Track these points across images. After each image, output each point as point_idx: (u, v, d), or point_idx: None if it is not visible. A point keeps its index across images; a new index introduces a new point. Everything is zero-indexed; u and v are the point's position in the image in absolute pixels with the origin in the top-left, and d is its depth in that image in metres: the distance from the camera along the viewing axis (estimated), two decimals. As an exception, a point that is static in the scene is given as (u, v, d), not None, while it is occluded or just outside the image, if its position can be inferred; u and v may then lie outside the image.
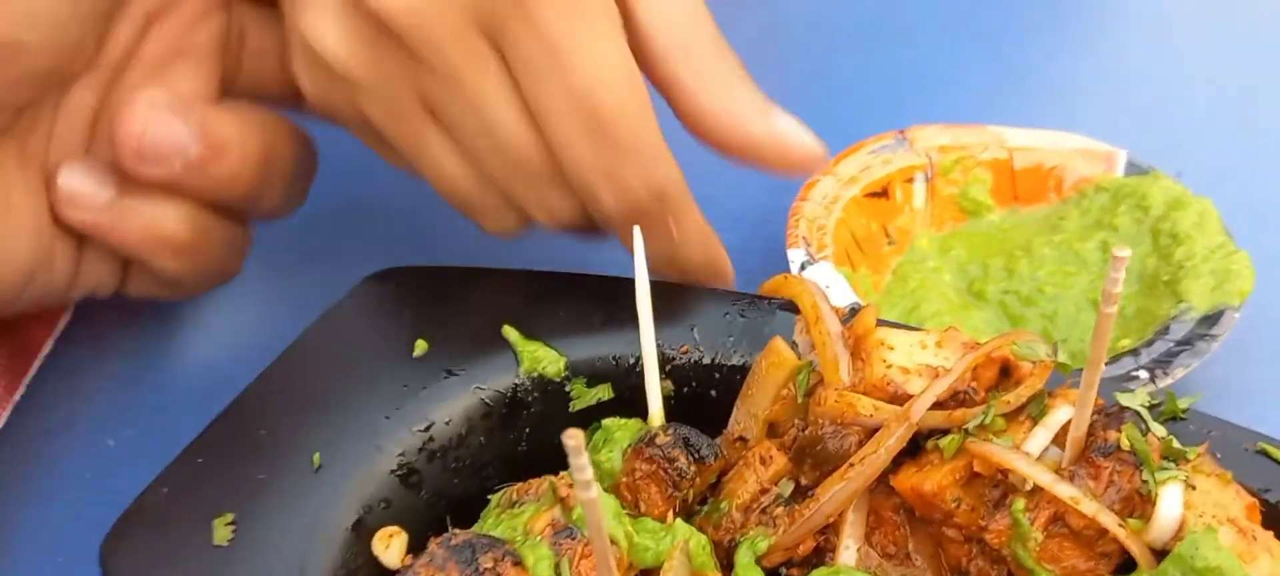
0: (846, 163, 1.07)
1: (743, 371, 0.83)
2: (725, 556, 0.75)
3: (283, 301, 1.08)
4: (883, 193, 1.05)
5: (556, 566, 0.69)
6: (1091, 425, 0.70)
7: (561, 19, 0.75)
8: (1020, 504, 0.67)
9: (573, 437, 0.51)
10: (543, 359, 0.84)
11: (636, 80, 0.79)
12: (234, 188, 0.75)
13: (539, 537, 0.70)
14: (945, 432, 0.72)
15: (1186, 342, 0.89)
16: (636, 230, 0.78)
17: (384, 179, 1.17)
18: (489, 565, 0.66)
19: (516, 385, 0.83)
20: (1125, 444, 0.68)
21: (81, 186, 0.71)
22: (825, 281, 0.91)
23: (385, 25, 0.73)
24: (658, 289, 0.80)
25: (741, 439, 0.81)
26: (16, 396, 0.90)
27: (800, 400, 0.80)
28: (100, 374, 1.00)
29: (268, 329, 0.98)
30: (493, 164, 0.82)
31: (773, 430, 0.81)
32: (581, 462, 0.52)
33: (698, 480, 0.77)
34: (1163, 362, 0.89)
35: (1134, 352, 0.90)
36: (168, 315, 1.05)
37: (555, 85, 0.77)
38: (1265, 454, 0.73)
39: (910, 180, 1.04)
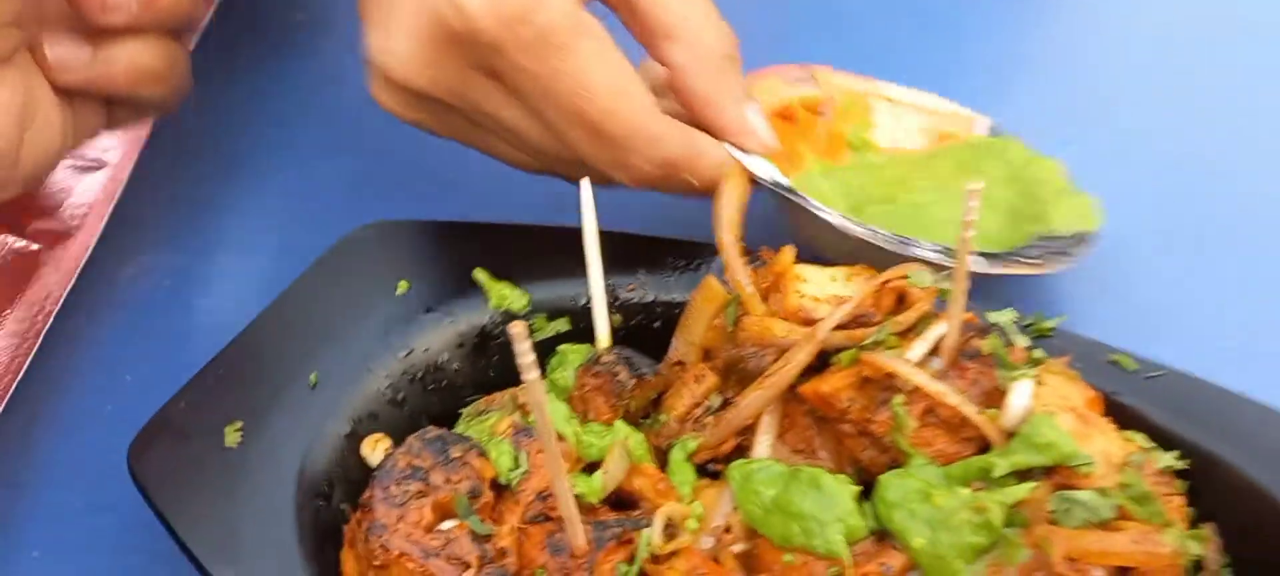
0: (760, 85, 1.16)
1: (681, 306, 0.96)
2: (663, 459, 0.88)
3: (279, 254, 1.19)
4: (789, 117, 1.17)
5: (515, 457, 0.82)
6: (965, 337, 0.83)
7: (536, 59, 0.90)
8: (899, 399, 0.80)
9: (516, 327, 0.65)
10: (509, 297, 0.97)
11: (620, 81, 0.93)
12: (178, 11, 0.89)
13: (501, 437, 0.84)
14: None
15: (1058, 251, 1.01)
16: (584, 183, 0.91)
17: (371, 151, 1.32)
18: (458, 454, 0.80)
19: (486, 319, 0.96)
20: (986, 350, 0.81)
21: (66, 53, 0.84)
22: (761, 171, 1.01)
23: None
24: (611, 237, 0.94)
25: (679, 363, 0.95)
26: (37, 342, 1.01)
27: (729, 328, 0.93)
28: (114, 321, 1.13)
29: (267, 279, 1.11)
30: (537, 157, 1.00)
31: (707, 355, 0.94)
32: (523, 348, 0.66)
33: (638, 393, 0.90)
34: (1036, 259, 1.00)
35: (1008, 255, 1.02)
36: (176, 267, 1.18)
37: (547, 107, 0.93)
38: (1116, 364, 0.87)
39: (813, 110, 1.17)
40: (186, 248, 1.21)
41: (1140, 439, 0.80)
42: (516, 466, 0.82)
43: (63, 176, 1.11)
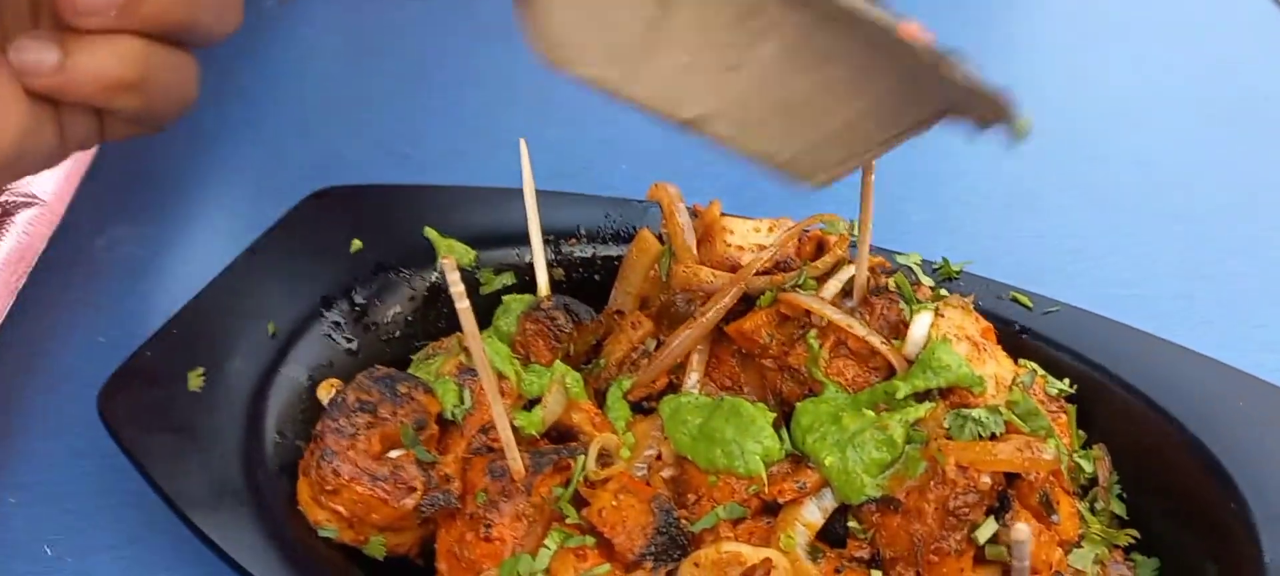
0: None
1: (619, 259, 1.02)
2: (602, 400, 0.95)
3: (246, 227, 1.25)
4: None
5: (459, 394, 0.88)
6: (874, 277, 0.90)
7: None
8: (813, 333, 0.87)
9: (446, 260, 0.71)
10: (457, 252, 1.03)
11: None
12: (167, 18, 0.81)
13: (447, 376, 0.90)
14: (772, 294, 0.92)
15: None
16: (522, 144, 0.97)
17: (336, 128, 1.38)
18: (404, 390, 0.86)
19: (435, 274, 1.03)
20: (892, 286, 0.88)
21: (31, 57, 0.77)
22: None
23: None
24: (550, 195, 1.00)
25: (618, 312, 1.01)
26: (13, 298, 1.06)
27: (664, 278, 0.99)
28: (88, 288, 1.18)
29: (233, 250, 1.17)
30: None
31: (643, 304, 1.01)
32: (454, 278, 0.72)
33: (578, 338, 0.96)
34: None
35: None
36: (147, 238, 1.24)
37: None
38: (1016, 300, 0.94)
39: None
40: (156, 219, 1.27)
41: (1031, 365, 0.87)
42: (461, 403, 0.88)
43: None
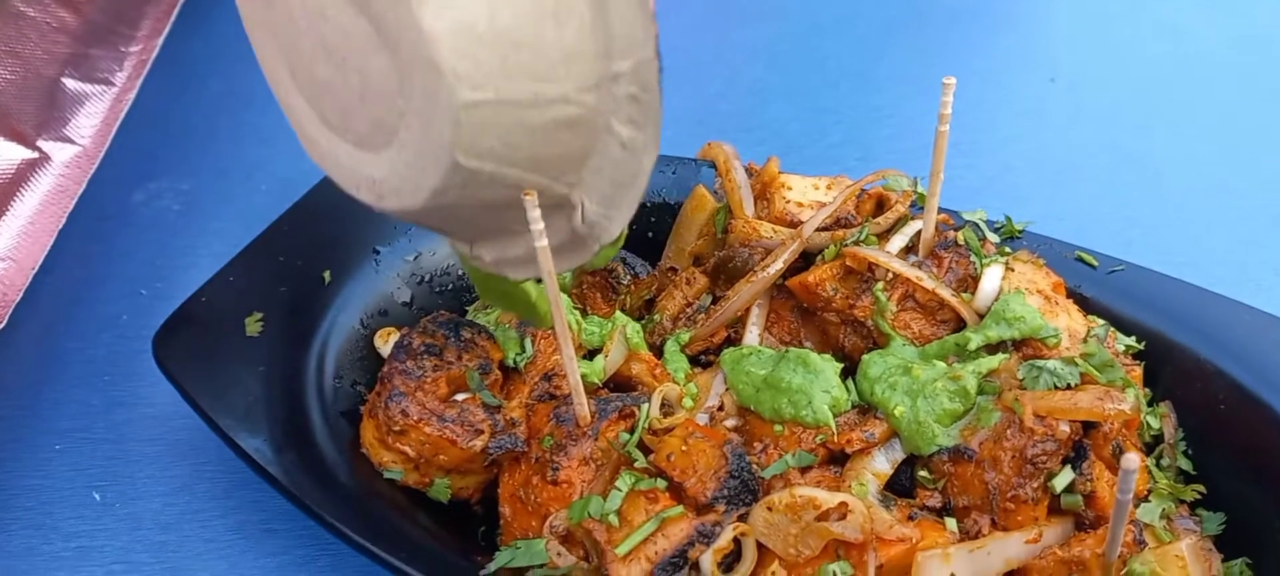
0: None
1: (674, 217, 1.02)
2: (659, 354, 0.94)
3: (282, 182, 1.24)
4: None
5: (521, 343, 0.87)
6: (940, 232, 0.89)
7: None
8: (880, 285, 0.86)
9: (529, 194, 0.70)
10: (509, 206, 1.02)
11: None
12: None
13: (507, 325, 0.89)
14: (832, 250, 0.92)
15: None
16: None
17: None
18: (468, 336, 0.85)
19: (488, 227, 1.02)
20: (960, 240, 0.87)
21: None
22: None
23: None
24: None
25: (672, 268, 1.00)
26: (51, 241, 1.04)
27: (719, 235, 0.99)
28: (127, 241, 1.18)
29: (269, 204, 1.16)
30: None
31: (697, 260, 1.00)
32: (535, 216, 0.71)
33: (634, 291, 0.96)
34: None
35: None
36: (182, 192, 1.23)
37: None
38: (1081, 260, 0.93)
39: None
40: (192, 173, 1.26)
41: (1101, 321, 0.86)
42: (523, 352, 0.87)
43: (70, 93, 1.15)
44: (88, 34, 1.16)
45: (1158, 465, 0.84)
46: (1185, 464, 0.85)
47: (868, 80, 1.44)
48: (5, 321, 0.93)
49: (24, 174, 1.03)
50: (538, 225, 0.71)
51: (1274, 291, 1.07)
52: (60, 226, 1.01)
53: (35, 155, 1.06)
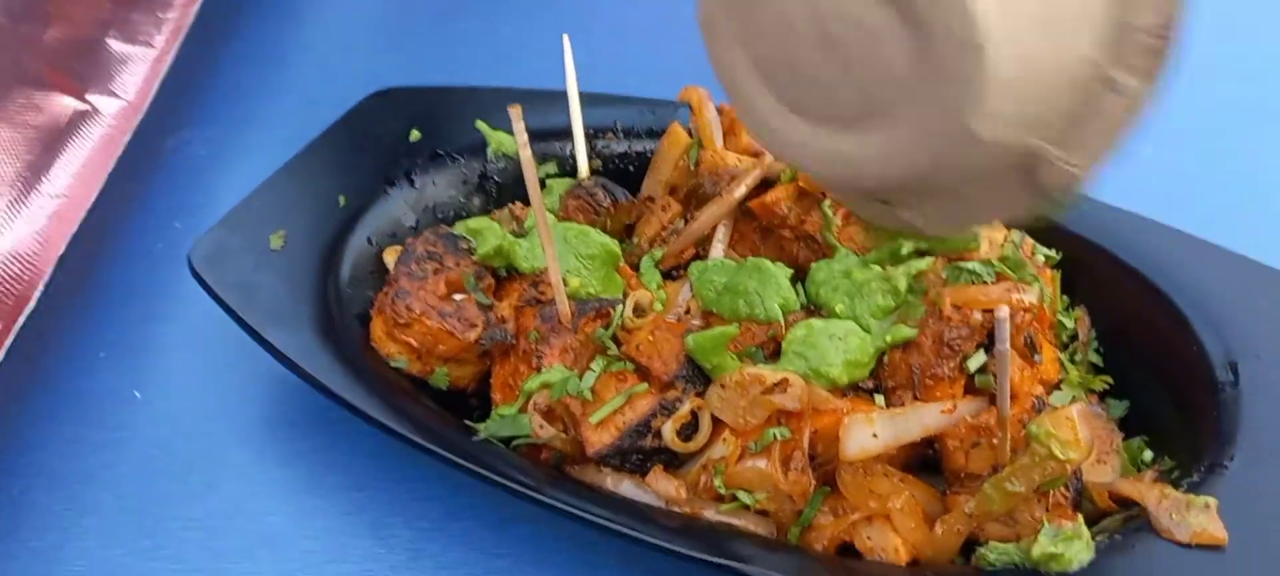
0: None
1: (651, 153, 1.13)
2: (634, 270, 1.06)
3: (302, 130, 1.36)
4: None
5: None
6: (884, 159, 1.01)
7: None
8: (827, 202, 0.97)
9: (515, 108, 0.82)
10: (505, 143, 1.14)
11: None
12: None
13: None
14: (791, 178, 1.03)
15: None
16: (566, 39, 1.08)
17: (384, 49, 1.50)
18: (465, 246, 0.97)
19: (486, 161, 1.14)
20: (900, 162, 0.99)
21: None
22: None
23: None
24: (592, 96, 1.11)
25: (649, 198, 1.12)
26: (101, 186, 1.17)
27: (692, 167, 1.10)
28: (162, 183, 1.30)
29: (291, 151, 1.28)
30: None
31: (673, 191, 1.12)
32: (519, 128, 0.83)
33: (614, 216, 1.07)
34: None
35: None
36: (212, 139, 1.37)
37: None
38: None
39: None
40: (221, 122, 1.39)
41: (1020, 232, 0.98)
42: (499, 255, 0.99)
43: (115, 54, 1.28)
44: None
45: (1072, 361, 0.96)
46: (1096, 359, 0.96)
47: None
48: (63, 249, 1.05)
49: (76, 122, 1.16)
50: (522, 136, 0.83)
51: (1191, 211, 1.16)
52: (109, 169, 1.14)
53: (86, 107, 1.19)
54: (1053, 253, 0.98)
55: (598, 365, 0.89)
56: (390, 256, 1.04)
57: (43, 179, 1.11)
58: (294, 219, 1.04)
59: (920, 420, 0.84)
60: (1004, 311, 0.69)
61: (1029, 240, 0.96)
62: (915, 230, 0.80)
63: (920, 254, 0.93)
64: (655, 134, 1.15)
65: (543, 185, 1.11)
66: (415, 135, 1.14)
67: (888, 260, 0.94)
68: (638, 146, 1.16)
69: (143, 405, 1.05)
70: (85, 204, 1.12)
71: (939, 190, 0.73)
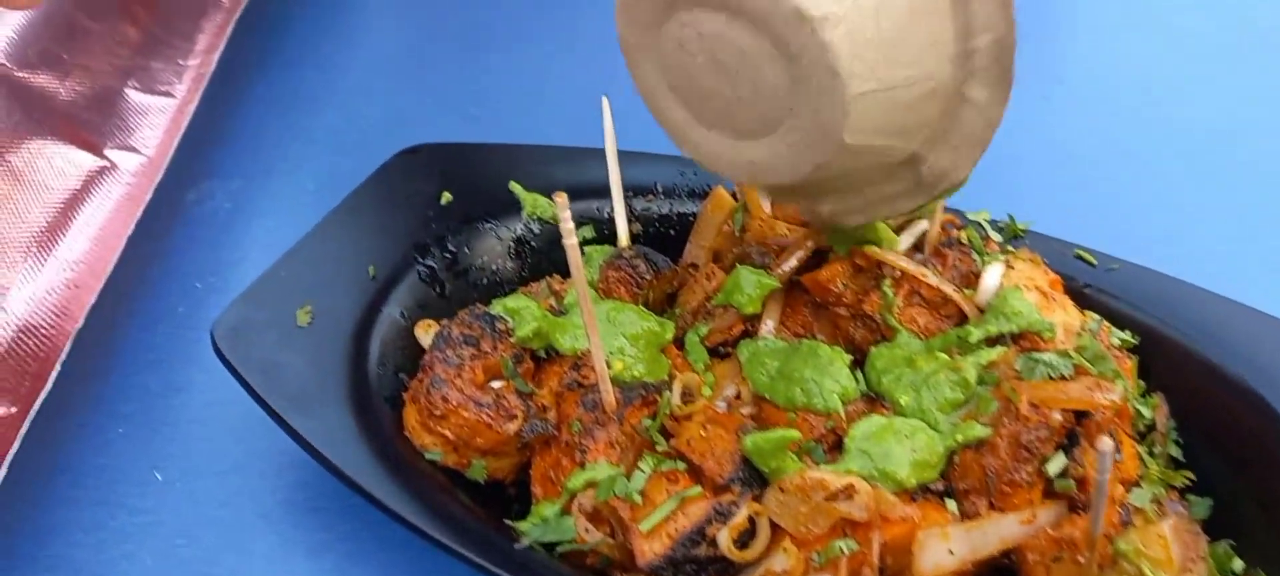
0: None
1: (694, 216, 1.07)
2: (680, 346, 1.00)
3: (326, 180, 1.31)
4: None
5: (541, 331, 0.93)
6: (945, 232, 0.95)
7: None
8: (888, 281, 0.92)
9: (560, 196, 0.76)
10: (541, 205, 1.08)
11: None
12: None
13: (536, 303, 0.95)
14: (844, 249, 0.97)
15: None
16: (605, 102, 1.02)
17: (405, 91, 1.44)
18: (503, 327, 0.91)
19: (521, 226, 1.08)
20: (964, 239, 0.93)
21: None
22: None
23: None
24: (631, 155, 1.05)
25: (692, 265, 1.06)
26: (120, 248, 1.12)
27: (737, 233, 1.05)
28: (183, 237, 1.25)
29: (314, 202, 1.23)
30: None
31: (716, 257, 1.06)
32: (565, 216, 0.77)
33: (655, 286, 1.02)
34: None
35: None
36: (234, 191, 1.31)
37: None
38: (1079, 258, 0.98)
39: None
40: (242, 174, 1.33)
41: (1096, 316, 0.92)
42: (539, 337, 0.93)
43: (134, 105, 1.23)
44: (147, 46, 1.24)
45: (1150, 453, 0.89)
46: (1176, 452, 0.90)
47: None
48: (82, 323, 1.00)
49: (94, 181, 1.11)
50: (568, 224, 0.78)
51: (1269, 288, 1.11)
52: (128, 233, 1.09)
53: (105, 164, 1.13)
54: (1129, 335, 0.92)
55: (647, 464, 0.83)
56: (422, 333, 0.99)
57: (59, 243, 1.06)
58: (321, 291, 0.98)
59: (999, 532, 0.78)
60: (1108, 446, 0.63)
61: (1106, 325, 0.90)
62: (838, 221, 0.91)
63: (990, 342, 0.87)
64: (697, 195, 1.10)
65: (583, 251, 1.06)
66: (447, 198, 1.08)
67: (955, 346, 0.88)
68: (679, 208, 1.10)
69: (164, 487, 1.00)
70: (104, 271, 1.07)
71: (840, 188, 0.87)
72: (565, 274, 1.05)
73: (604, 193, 1.05)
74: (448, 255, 1.05)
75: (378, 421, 0.90)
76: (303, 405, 0.89)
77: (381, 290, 1.01)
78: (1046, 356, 0.85)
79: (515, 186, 1.09)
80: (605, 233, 1.08)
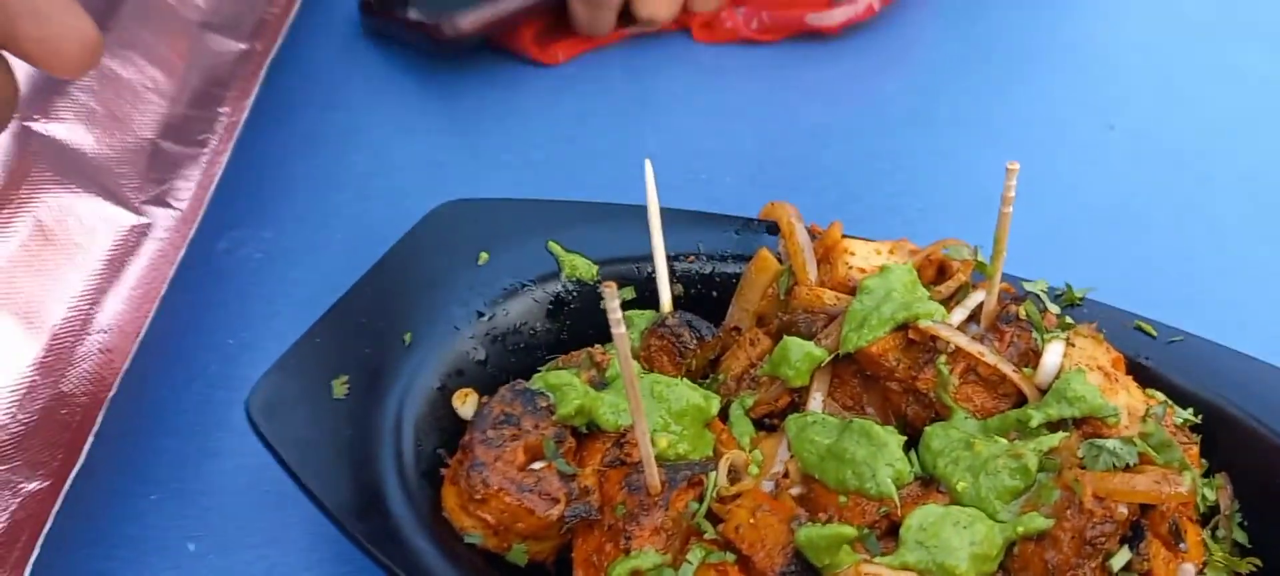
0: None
1: (737, 277, 1.05)
2: (723, 415, 0.97)
3: (358, 228, 1.29)
4: None
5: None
6: (1002, 304, 0.92)
7: None
8: (943, 358, 0.89)
9: (609, 286, 0.74)
10: (579, 267, 1.06)
11: None
12: None
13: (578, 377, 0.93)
14: (894, 317, 0.94)
15: None
16: (647, 162, 0.99)
17: (436, 134, 1.42)
18: (544, 404, 0.89)
19: (559, 287, 1.05)
20: (1022, 315, 0.90)
21: None
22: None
23: None
24: (672, 214, 1.02)
25: (735, 329, 1.03)
26: (154, 307, 1.08)
27: (782, 297, 1.02)
28: (213, 290, 1.23)
29: (347, 251, 1.21)
30: None
31: (761, 321, 1.03)
32: (614, 305, 0.75)
33: (699, 353, 0.99)
34: None
35: None
36: (265, 241, 1.29)
37: None
38: (1140, 329, 0.95)
39: None
40: (274, 222, 1.31)
41: (1160, 395, 0.88)
42: (580, 414, 0.91)
43: (168, 155, 1.21)
44: (181, 95, 1.22)
45: (1213, 537, 0.86)
46: (1240, 536, 0.87)
47: (927, 123, 1.46)
48: (115, 389, 0.98)
49: (129, 241, 1.08)
50: (616, 314, 0.75)
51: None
52: (162, 292, 1.06)
53: (139, 221, 1.11)
54: (1191, 413, 0.89)
55: (695, 554, 0.81)
56: (460, 403, 0.96)
57: (95, 307, 1.04)
58: (356, 360, 0.96)
59: (1064, 633, 0.75)
60: (1191, 570, 0.60)
61: (1172, 407, 0.87)
62: None
63: (1052, 426, 0.84)
64: (740, 258, 1.07)
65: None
66: (483, 257, 1.06)
67: (1014, 429, 0.85)
68: (722, 269, 1.08)
69: (197, 559, 0.98)
70: (138, 333, 1.04)
71: None
72: (605, 338, 1.03)
73: (644, 254, 1.03)
74: (484, 318, 1.03)
75: (415, 502, 0.88)
76: (339, 484, 0.87)
77: (417, 358, 0.98)
78: (1111, 443, 0.81)
79: (554, 246, 1.07)
80: (646, 294, 1.05)
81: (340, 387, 0.94)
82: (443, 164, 1.41)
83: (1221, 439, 0.89)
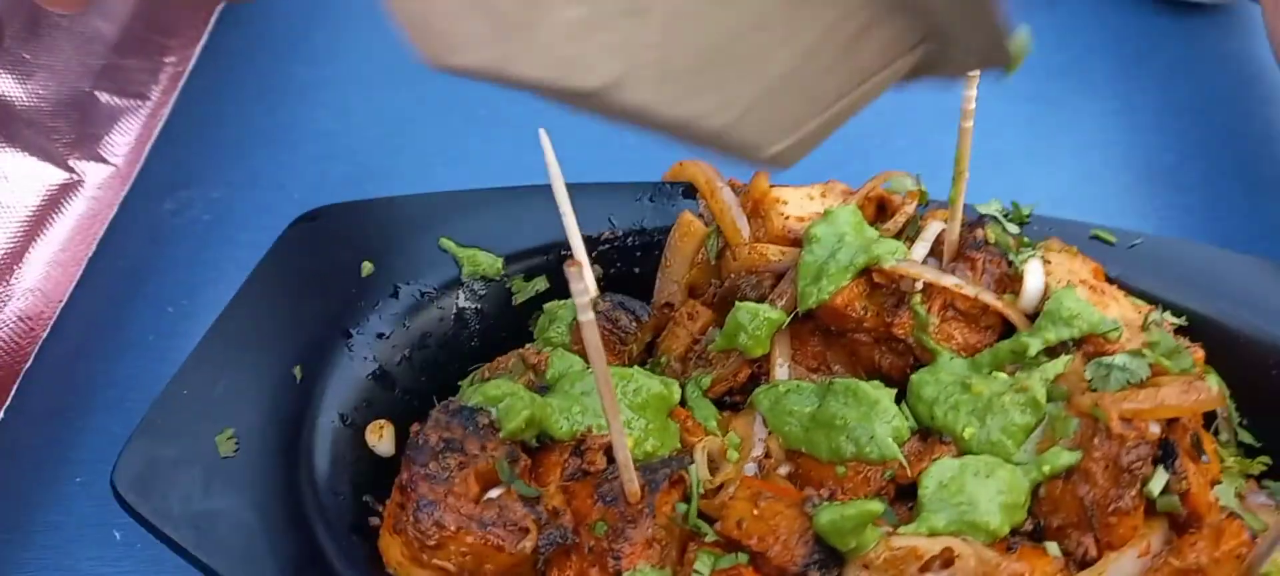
0: None
1: (659, 248, 0.94)
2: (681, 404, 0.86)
3: (315, 189, 1.16)
4: None
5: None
6: (960, 232, 0.84)
7: None
8: (917, 298, 0.80)
9: (573, 265, 0.61)
10: (481, 262, 0.92)
11: None
12: None
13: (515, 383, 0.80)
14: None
15: None
16: (543, 132, 0.87)
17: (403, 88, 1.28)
18: (485, 421, 0.76)
19: (463, 290, 0.92)
20: (991, 238, 0.82)
21: None
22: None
23: None
24: (572, 188, 0.90)
25: (667, 304, 0.93)
26: (80, 271, 0.96)
27: (713, 262, 0.92)
28: (156, 254, 1.09)
29: (294, 211, 1.03)
30: None
31: (693, 292, 0.93)
32: (581, 287, 0.62)
33: (639, 337, 0.88)
34: None
35: None
36: (214, 201, 1.16)
37: None
38: (1098, 238, 0.89)
39: None
40: (224, 182, 1.17)
41: (1143, 304, 0.83)
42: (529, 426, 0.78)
43: (104, 109, 1.07)
44: (123, 44, 1.10)
45: (1220, 442, 0.81)
46: (1246, 436, 0.82)
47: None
48: (32, 359, 0.87)
49: (57, 199, 0.98)
50: (583, 297, 0.63)
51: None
52: (91, 253, 0.95)
53: (69, 178, 0.99)
54: (1179, 318, 0.83)
55: (703, 564, 0.70)
56: (376, 439, 0.82)
57: (14, 272, 0.91)
58: (240, 408, 0.80)
59: (1121, 574, 0.68)
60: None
61: (1165, 312, 0.81)
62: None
63: (1049, 352, 0.77)
64: (659, 229, 0.95)
65: (532, 311, 0.91)
66: (368, 268, 0.91)
67: (1010, 361, 0.78)
68: (640, 240, 0.96)
69: (124, 548, 0.88)
70: (59, 300, 0.93)
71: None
72: (525, 339, 0.90)
73: (546, 232, 0.91)
74: (382, 338, 0.88)
75: (349, 561, 0.73)
76: (255, 562, 0.72)
77: (313, 394, 0.83)
78: (1119, 359, 0.75)
79: (447, 243, 0.93)
80: (561, 283, 0.93)
81: (226, 444, 0.78)
82: (408, 117, 1.26)
83: (1203, 338, 0.84)
